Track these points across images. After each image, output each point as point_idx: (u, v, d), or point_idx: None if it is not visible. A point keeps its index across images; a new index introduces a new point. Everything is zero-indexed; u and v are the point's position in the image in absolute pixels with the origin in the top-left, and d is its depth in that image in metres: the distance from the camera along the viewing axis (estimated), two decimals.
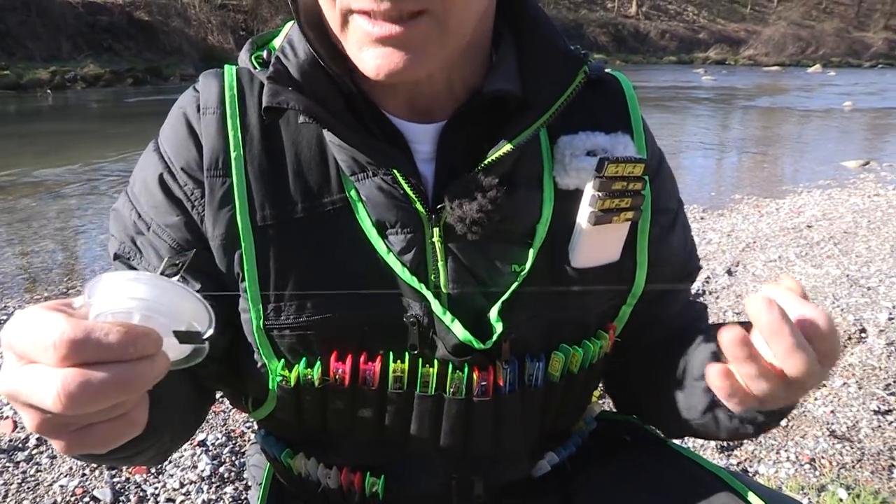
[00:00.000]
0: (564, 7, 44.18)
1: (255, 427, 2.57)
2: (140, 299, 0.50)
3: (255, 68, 0.83)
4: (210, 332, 0.54)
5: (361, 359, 0.84)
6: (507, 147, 0.79)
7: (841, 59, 46.97)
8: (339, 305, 0.82)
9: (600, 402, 1.14)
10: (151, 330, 0.49)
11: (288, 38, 0.82)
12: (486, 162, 0.79)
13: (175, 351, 0.53)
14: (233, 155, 0.81)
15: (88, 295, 0.51)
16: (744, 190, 7.76)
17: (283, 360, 0.84)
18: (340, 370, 0.83)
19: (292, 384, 0.84)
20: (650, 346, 0.97)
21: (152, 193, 0.83)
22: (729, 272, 4.55)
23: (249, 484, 1.50)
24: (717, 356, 0.80)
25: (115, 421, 0.50)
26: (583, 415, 1.08)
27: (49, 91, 19.94)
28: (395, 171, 0.79)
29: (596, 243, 0.86)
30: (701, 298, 4.02)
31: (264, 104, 0.76)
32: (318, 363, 0.83)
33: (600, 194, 0.82)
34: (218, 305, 0.84)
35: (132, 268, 0.83)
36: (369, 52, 0.71)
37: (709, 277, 4.40)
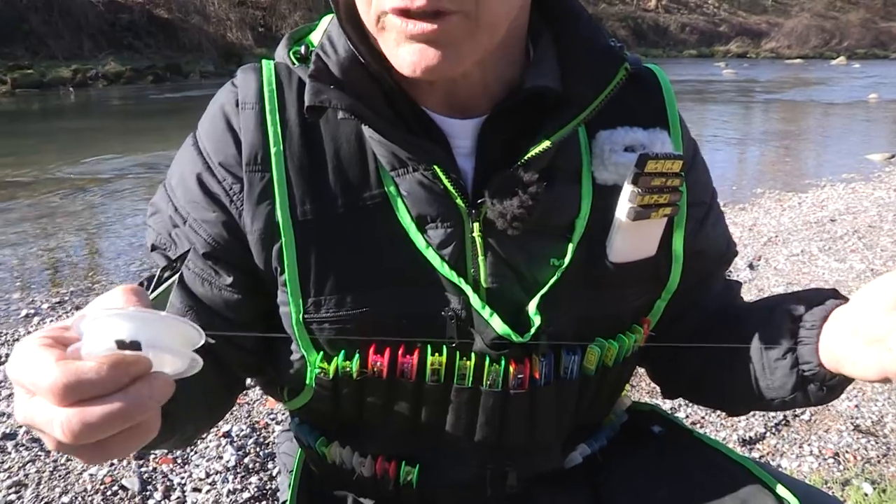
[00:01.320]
0: (584, 1, 43.90)
1: (280, 418, 2.60)
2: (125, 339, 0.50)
3: (293, 64, 0.83)
4: (201, 342, 0.54)
5: (399, 352, 0.84)
6: (547, 143, 0.79)
7: (867, 51, 46.23)
8: (378, 299, 0.83)
9: (629, 394, 1.15)
10: (140, 356, 0.49)
11: (327, 34, 0.82)
12: (525, 157, 0.80)
13: (173, 367, 0.53)
14: (273, 150, 0.82)
15: (77, 332, 0.51)
16: (766, 184, 7.70)
17: (321, 353, 0.85)
18: (378, 363, 0.84)
19: (330, 376, 0.85)
20: (696, 327, 0.98)
21: (190, 189, 0.85)
22: (751, 266, 4.52)
23: (279, 471, 1.52)
24: (794, 334, 0.83)
25: (128, 432, 0.51)
26: (613, 407, 1.09)
27: (71, 89, 20.14)
28: (436, 167, 0.80)
29: (633, 239, 0.87)
30: None
31: (307, 103, 0.77)
32: (357, 356, 0.84)
33: (639, 190, 0.83)
34: (253, 298, 0.86)
35: (168, 258, 0.84)
36: (405, 49, 0.72)
37: (730, 272, 4.37)
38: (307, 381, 0.88)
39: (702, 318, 0.97)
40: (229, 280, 0.84)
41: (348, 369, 0.84)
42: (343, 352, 0.85)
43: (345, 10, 0.78)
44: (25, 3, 22.60)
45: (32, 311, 4.11)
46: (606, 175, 0.86)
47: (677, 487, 0.94)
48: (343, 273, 0.83)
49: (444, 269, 0.82)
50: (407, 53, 0.72)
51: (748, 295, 3.94)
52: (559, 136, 0.80)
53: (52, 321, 3.85)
